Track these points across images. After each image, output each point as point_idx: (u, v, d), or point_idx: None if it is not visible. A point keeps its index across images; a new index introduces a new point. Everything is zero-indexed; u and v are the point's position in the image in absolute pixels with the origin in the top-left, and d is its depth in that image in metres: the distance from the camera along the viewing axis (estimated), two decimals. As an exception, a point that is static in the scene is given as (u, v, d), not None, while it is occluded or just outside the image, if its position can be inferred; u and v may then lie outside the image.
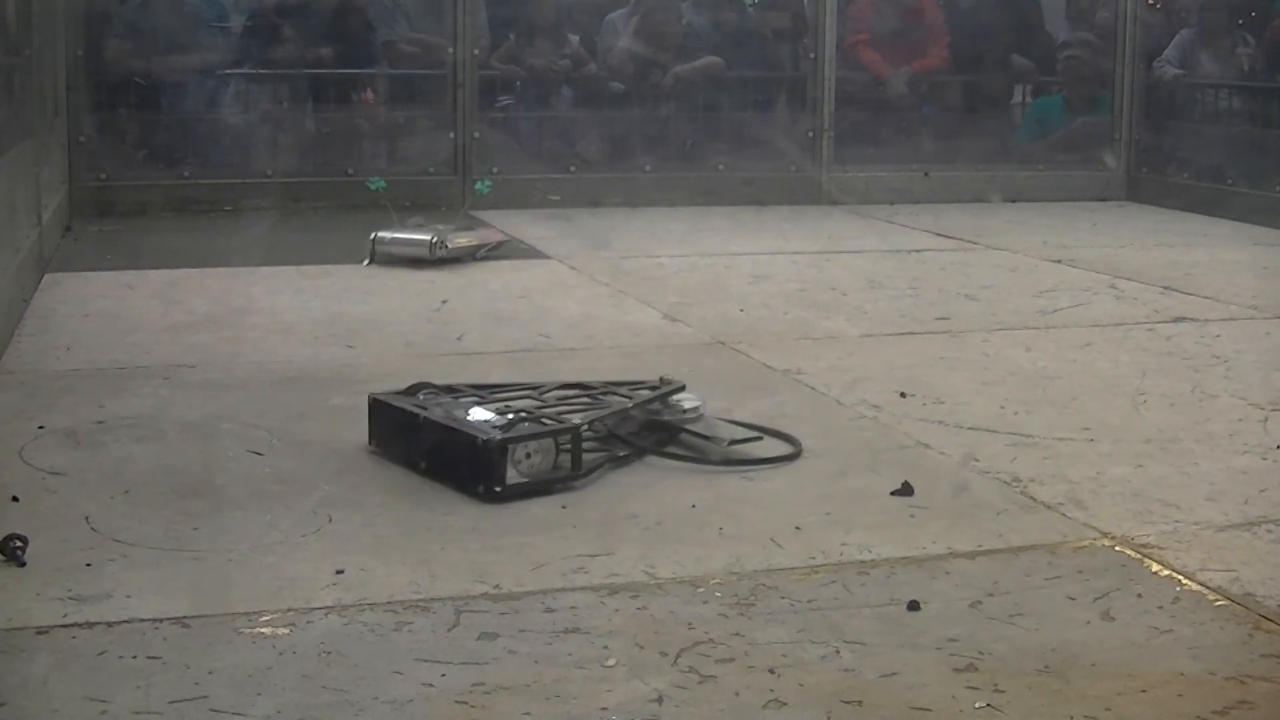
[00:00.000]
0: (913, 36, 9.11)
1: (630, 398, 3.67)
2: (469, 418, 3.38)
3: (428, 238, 6.23)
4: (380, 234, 6.26)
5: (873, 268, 6.43)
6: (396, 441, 3.48)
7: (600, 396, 3.73)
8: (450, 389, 3.70)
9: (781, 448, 3.59)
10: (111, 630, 2.49)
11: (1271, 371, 4.55)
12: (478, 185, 7.91)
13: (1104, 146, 9.12)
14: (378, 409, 3.56)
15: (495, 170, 8.20)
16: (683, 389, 3.73)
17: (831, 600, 2.68)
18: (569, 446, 3.31)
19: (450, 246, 6.27)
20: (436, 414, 3.43)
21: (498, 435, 3.23)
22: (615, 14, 8.77)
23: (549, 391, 3.78)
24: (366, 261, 6.17)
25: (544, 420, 3.42)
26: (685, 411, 3.63)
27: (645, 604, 2.65)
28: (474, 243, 6.47)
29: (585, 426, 3.37)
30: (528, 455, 3.24)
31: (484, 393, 3.69)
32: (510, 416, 3.41)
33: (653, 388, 3.76)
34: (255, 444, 3.60)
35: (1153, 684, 2.34)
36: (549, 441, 3.30)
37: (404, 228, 6.34)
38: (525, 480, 3.23)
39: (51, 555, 2.82)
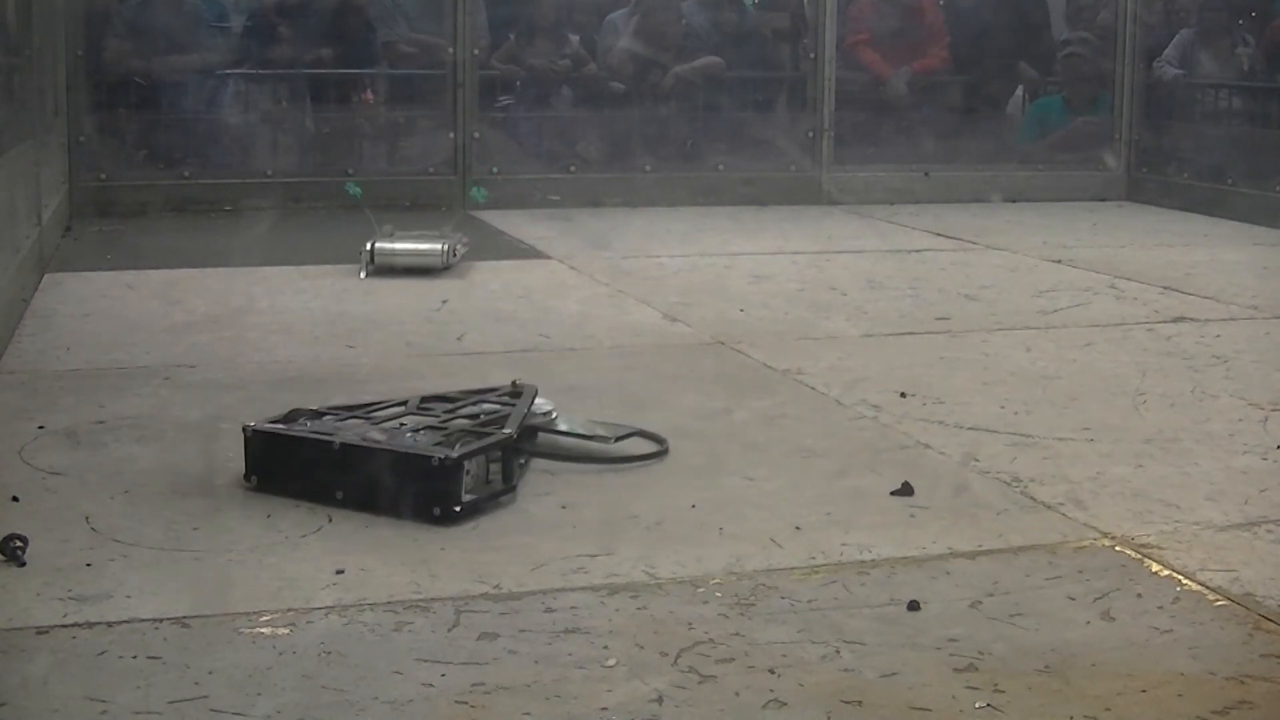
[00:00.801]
0: (913, 36, 9.11)
1: (503, 404, 3.52)
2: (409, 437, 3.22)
3: (440, 246, 6.04)
4: (380, 245, 6.01)
5: (873, 268, 6.43)
6: (294, 473, 3.20)
7: (472, 406, 3.54)
8: (318, 412, 3.42)
9: (650, 446, 3.57)
10: (111, 630, 2.49)
11: (1271, 371, 4.55)
12: (473, 192, 7.82)
13: (1104, 146, 9.12)
14: (263, 441, 3.23)
15: (495, 170, 8.20)
16: (536, 393, 3.62)
17: (831, 600, 2.68)
18: (498, 458, 3.21)
19: (458, 253, 6.15)
20: (350, 437, 3.19)
21: (453, 453, 3.08)
22: (615, 14, 8.77)
23: (420, 405, 3.57)
24: (364, 274, 5.96)
25: (474, 434, 3.27)
26: (543, 415, 3.57)
27: (645, 604, 2.65)
28: (464, 247, 6.31)
29: (514, 435, 3.26)
30: (468, 471, 3.11)
31: (360, 411, 3.47)
32: (447, 433, 3.26)
33: (512, 393, 3.62)
34: (255, 444, 3.60)
35: (1153, 684, 2.34)
36: (482, 455, 3.18)
37: (405, 237, 6.12)
38: (475, 497, 3.12)
39: (51, 555, 2.82)
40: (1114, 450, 3.65)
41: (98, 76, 7.80)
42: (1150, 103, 9.07)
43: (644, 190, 8.37)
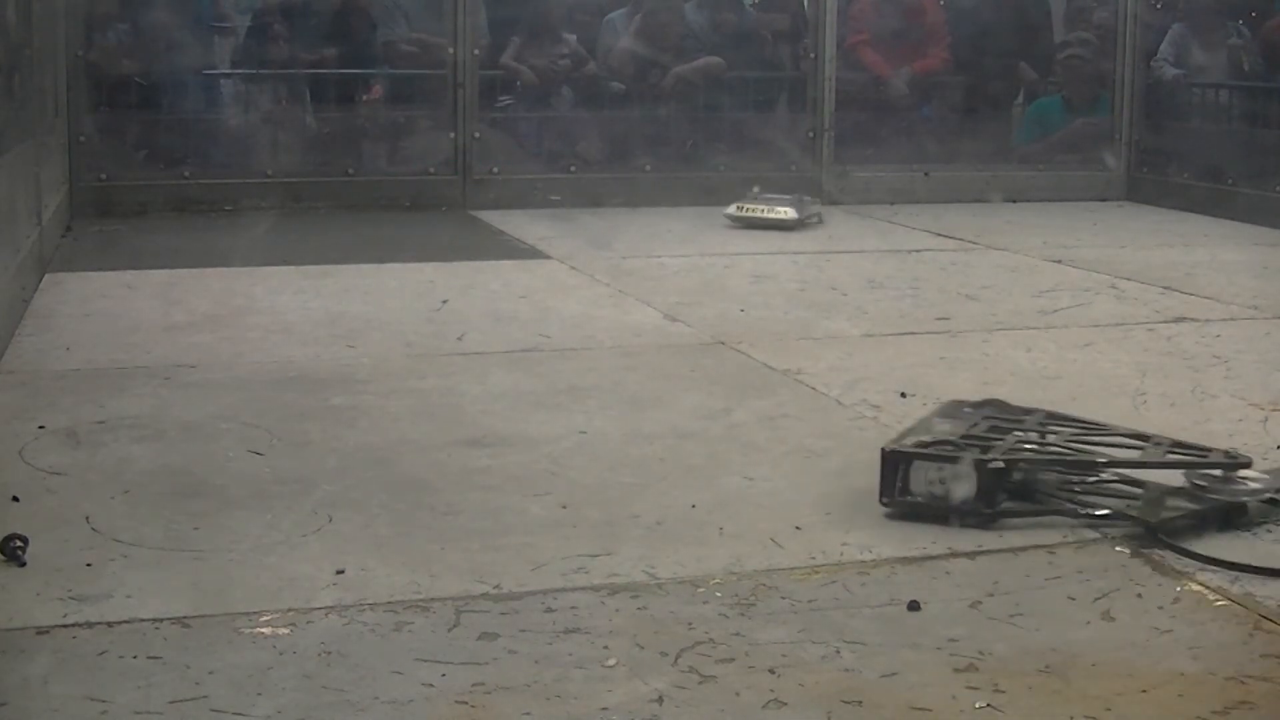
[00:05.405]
0: (913, 36, 9.10)
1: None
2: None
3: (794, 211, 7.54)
4: (747, 206, 7.56)
5: (873, 268, 6.43)
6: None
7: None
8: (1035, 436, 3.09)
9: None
10: (112, 630, 2.49)
11: (1271, 371, 4.55)
12: None
13: (1104, 146, 9.12)
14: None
15: (495, 170, 8.20)
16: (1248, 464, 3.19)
17: (831, 600, 2.68)
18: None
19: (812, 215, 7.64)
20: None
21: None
22: (615, 14, 8.77)
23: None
24: (734, 209, 7.58)
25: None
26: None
27: (645, 604, 2.65)
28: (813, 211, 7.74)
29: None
30: None
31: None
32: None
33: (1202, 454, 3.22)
34: (255, 444, 3.60)
35: (1153, 684, 2.34)
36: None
37: (766, 200, 7.60)
38: None
39: (51, 555, 2.82)
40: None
41: (98, 76, 7.80)
42: (1150, 103, 9.06)
43: (644, 190, 8.36)
